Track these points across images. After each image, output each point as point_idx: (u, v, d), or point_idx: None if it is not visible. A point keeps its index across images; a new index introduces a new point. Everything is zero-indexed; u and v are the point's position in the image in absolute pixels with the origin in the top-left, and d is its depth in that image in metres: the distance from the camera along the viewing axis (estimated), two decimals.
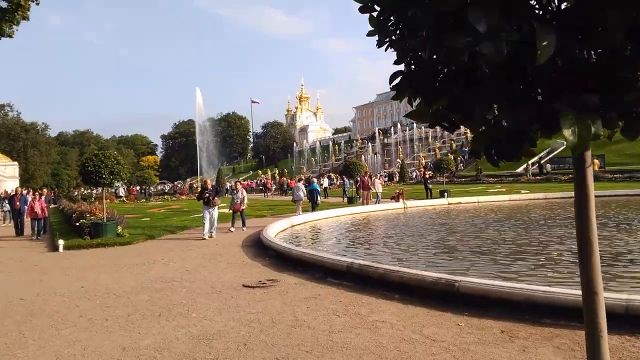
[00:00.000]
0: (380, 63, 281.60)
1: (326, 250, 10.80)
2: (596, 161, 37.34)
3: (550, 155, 50.45)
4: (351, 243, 12.23)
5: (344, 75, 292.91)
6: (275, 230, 13.89)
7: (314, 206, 21.37)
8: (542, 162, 46.70)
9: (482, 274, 7.41)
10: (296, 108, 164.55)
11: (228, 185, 42.99)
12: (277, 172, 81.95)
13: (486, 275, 7.20)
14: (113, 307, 6.90)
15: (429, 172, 34.06)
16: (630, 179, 31.86)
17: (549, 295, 5.10)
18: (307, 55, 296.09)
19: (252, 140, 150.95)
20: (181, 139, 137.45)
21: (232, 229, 15.19)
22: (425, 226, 15.27)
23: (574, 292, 4.99)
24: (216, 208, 14.38)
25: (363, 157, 76.41)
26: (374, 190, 24.14)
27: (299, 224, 16.63)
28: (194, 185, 60.62)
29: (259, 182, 64.53)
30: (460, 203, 23.47)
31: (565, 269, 7.78)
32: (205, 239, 13.73)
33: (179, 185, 64.59)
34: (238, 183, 16.67)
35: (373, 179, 24.46)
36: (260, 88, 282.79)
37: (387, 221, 17.55)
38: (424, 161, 61.01)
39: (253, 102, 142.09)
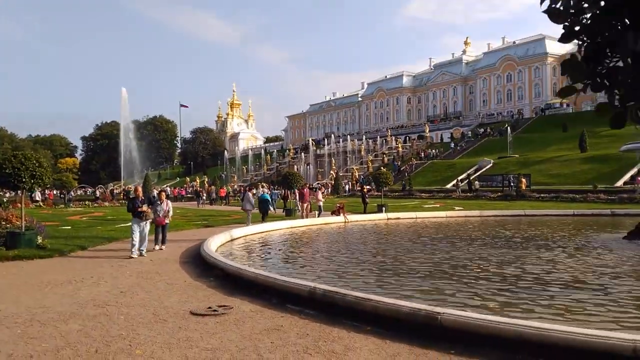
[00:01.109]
0: (313, 73, 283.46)
1: (277, 268, 10.11)
2: (524, 180, 38.83)
3: (478, 173, 52.15)
4: (301, 260, 11.61)
5: (276, 84, 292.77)
6: (215, 244, 13.03)
7: (264, 216, 20.65)
8: (471, 179, 48.09)
9: (460, 301, 7.02)
10: (227, 114, 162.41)
11: (155, 192, 40.81)
12: (206, 179, 79.93)
13: (463, 302, 6.81)
14: (38, 339, 5.88)
15: (367, 186, 34.09)
16: (557, 198, 33.27)
17: (543, 333, 4.73)
18: (239, 61, 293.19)
19: (179, 146, 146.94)
20: (103, 141, 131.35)
21: (157, 247, 13.43)
22: (375, 242, 14.94)
23: (571, 330, 4.65)
24: (148, 221, 12.74)
25: (295, 167, 75.97)
26: (314, 202, 23.72)
27: (239, 237, 15.83)
28: (115, 191, 57.69)
29: (189, 189, 62.47)
30: (399, 218, 23.47)
31: (537, 296, 7.55)
32: (134, 257, 12.07)
33: (101, 191, 61.17)
34: (162, 193, 14.65)
35: (316, 190, 24.02)
36: (190, 92, 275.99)
37: (332, 236, 17.10)
38: (357, 174, 61.41)
39: (182, 106, 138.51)
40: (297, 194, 27.60)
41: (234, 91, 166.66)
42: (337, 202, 24.79)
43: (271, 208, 20.76)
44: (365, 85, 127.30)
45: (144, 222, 12.52)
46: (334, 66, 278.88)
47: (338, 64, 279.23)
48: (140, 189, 13.30)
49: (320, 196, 23.87)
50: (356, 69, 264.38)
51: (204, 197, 42.12)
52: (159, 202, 13.80)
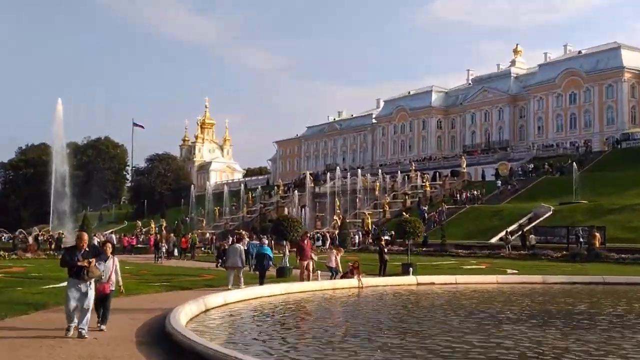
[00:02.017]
0: (312, 85, 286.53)
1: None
2: (597, 234, 38.36)
3: (533, 224, 51.76)
4: (312, 348, 11.04)
5: (263, 99, 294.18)
6: (185, 317, 12.48)
7: (262, 278, 20.91)
8: (524, 231, 47.65)
9: None
10: (196, 137, 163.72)
11: (96, 241, 39.89)
12: (164, 224, 79.50)
13: None
14: None
15: (386, 238, 33.67)
16: None
17: None
18: (215, 68, 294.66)
19: (130, 178, 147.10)
20: (27, 170, 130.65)
21: (102, 325, 12.20)
22: (410, 321, 14.38)
23: None
24: (93, 283, 11.68)
25: (286, 209, 75.67)
26: (316, 260, 23.36)
27: (216, 307, 15.30)
28: (40, 238, 56.95)
29: (142, 237, 61.79)
30: (433, 283, 23.06)
31: None
32: (69, 336, 11.18)
33: (21, 237, 60.37)
34: (108, 244, 13.69)
35: (334, 251, 23.70)
36: (148, 108, 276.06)
37: (349, 309, 16.90)
38: (370, 221, 60.98)
39: (135, 125, 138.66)
40: (286, 246, 27.05)
41: (206, 107, 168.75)
42: (354, 261, 24.42)
43: (271, 263, 20.71)
44: (382, 103, 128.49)
45: (87, 284, 11.67)
46: (340, 77, 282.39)
47: (345, 75, 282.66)
48: (86, 236, 12.50)
49: (338, 258, 23.46)
50: (369, 82, 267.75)
51: (164, 250, 41.56)
52: (103, 258, 12.62)
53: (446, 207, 63.71)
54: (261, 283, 20.33)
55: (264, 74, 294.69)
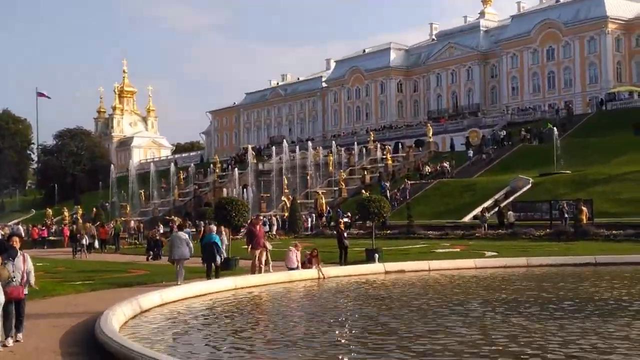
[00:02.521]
0: (250, 46, 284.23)
1: None
2: (584, 209, 38.90)
3: (511, 198, 52.34)
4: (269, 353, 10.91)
5: (193, 63, 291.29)
6: (118, 321, 12.35)
7: (210, 270, 20.77)
8: (501, 207, 48.19)
9: None
10: (113, 108, 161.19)
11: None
12: (80, 211, 78.24)
13: None
14: None
15: (345, 220, 33.68)
16: (638, 236, 33.37)
17: None
18: (133, 26, 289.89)
19: (36, 159, 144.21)
20: None
21: (11, 339, 11.53)
22: (385, 316, 14.48)
23: None
24: (0, 286, 11.28)
25: (225, 191, 75.00)
26: (270, 249, 23.26)
27: (153, 307, 15.13)
28: None
29: (53, 228, 60.60)
30: (403, 271, 23.21)
31: None
32: None
33: None
34: (15, 237, 12.95)
35: (292, 248, 23.28)
36: (55, 74, 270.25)
37: (310, 305, 16.85)
38: (323, 201, 60.92)
39: (40, 95, 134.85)
40: (226, 233, 26.86)
41: (124, 72, 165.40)
42: (312, 249, 24.30)
43: (218, 258, 20.81)
44: (332, 64, 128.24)
45: None
46: (283, 36, 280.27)
47: (289, 34, 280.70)
48: None
49: (299, 255, 23.09)
50: (317, 41, 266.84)
51: (84, 242, 40.95)
52: (12, 255, 12.05)
53: (410, 182, 64.01)
54: (209, 277, 20.31)
55: (194, 33, 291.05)
